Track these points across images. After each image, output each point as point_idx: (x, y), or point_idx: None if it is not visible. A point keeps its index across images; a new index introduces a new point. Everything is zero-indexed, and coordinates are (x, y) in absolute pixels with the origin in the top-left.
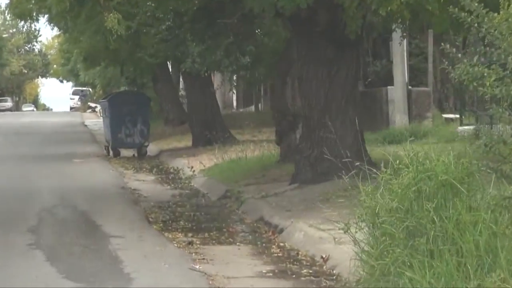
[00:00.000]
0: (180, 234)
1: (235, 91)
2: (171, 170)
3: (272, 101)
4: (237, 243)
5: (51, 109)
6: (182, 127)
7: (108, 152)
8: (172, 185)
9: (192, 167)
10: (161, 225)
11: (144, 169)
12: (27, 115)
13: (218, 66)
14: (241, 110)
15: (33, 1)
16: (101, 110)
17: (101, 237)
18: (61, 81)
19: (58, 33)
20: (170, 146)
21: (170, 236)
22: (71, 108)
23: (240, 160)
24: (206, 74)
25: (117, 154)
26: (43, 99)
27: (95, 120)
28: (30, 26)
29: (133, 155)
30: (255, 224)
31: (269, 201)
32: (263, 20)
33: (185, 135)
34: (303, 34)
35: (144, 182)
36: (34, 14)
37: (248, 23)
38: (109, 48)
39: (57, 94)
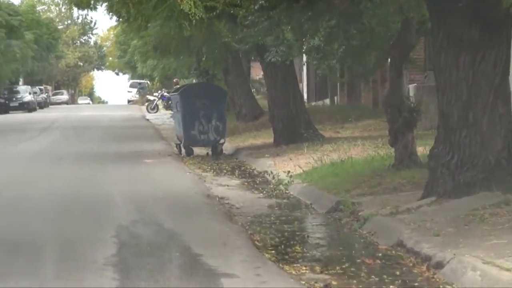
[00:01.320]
0: (304, 268)
1: (305, 83)
2: (256, 173)
3: (386, 95)
4: (386, 286)
5: (107, 102)
6: (255, 123)
7: (180, 151)
8: (264, 192)
9: (288, 172)
10: (273, 252)
11: (225, 171)
12: (84, 108)
13: (317, 52)
14: (313, 103)
15: None
16: (171, 104)
17: (208, 276)
18: (117, 74)
19: (116, 23)
20: (246, 144)
21: (293, 272)
22: (128, 101)
23: (343, 162)
24: (289, 63)
25: (190, 153)
26: (99, 92)
27: (156, 114)
28: (85, 18)
29: (207, 153)
30: (393, 252)
31: (403, 220)
32: None
33: (260, 131)
34: (439, 12)
35: (230, 188)
36: (92, 2)
37: (355, 2)
38: (183, 35)
39: (112, 87)
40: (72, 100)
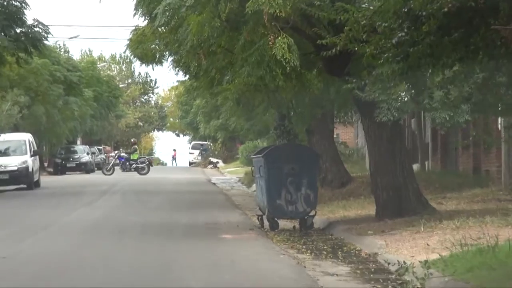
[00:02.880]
0: None
1: None
2: (364, 255)
3: None
4: None
5: (166, 164)
6: (343, 190)
7: (262, 223)
8: (390, 287)
9: (426, 263)
10: None
11: (325, 253)
12: None
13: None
14: None
15: (157, 40)
16: (254, 169)
17: None
18: (177, 135)
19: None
20: (337, 215)
21: None
22: (190, 164)
23: (489, 248)
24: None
25: (275, 227)
26: (158, 153)
27: (221, 177)
28: (147, 77)
29: (294, 227)
30: None
31: None
32: None
33: (350, 201)
34: None
35: (341, 279)
36: (157, 56)
37: None
38: (269, 87)
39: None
40: None
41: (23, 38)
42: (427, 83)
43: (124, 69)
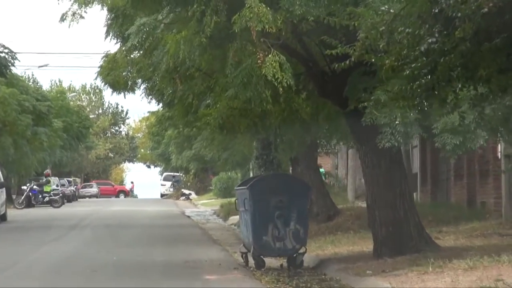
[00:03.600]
0: None
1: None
2: None
3: None
4: None
5: (136, 196)
6: (329, 224)
7: (247, 261)
8: None
9: None
10: None
11: None
12: (115, 203)
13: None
14: None
15: (129, 66)
16: (238, 201)
17: None
18: (148, 166)
19: (152, 111)
20: (327, 252)
21: None
22: (162, 195)
23: None
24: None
25: (261, 265)
26: (128, 185)
27: (195, 210)
28: (117, 107)
29: (281, 265)
30: None
31: None
32: None
33: (338, 235)
34: None
35: None
36: (129, 84)
37: None
38: (256, 111)
39: (142, 180)
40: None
41: None
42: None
43: (94, 99)
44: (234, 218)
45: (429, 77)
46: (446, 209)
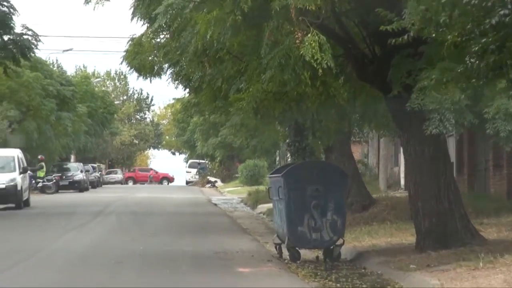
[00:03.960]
0: None
1: (402, 164)
2: None
3: None
4: None
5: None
6: (365, 214)
7: (281, 253)
8: None
9: None
10: None
11: None
12: (140, 189)
13: None
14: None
15: (156, 50)
16: (271, 190)
17: None
18: (173, 153)
19: (177, 98)
20: (365, 244)
21: None
22: (187, 182)
23: None
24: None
25: (296, 258)
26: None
27: (222, 198)
28: (141, 94)
29: (317, 257)
30: None
31: None
32: None
33: (373, 226)
34: None
35: None
36: (156, 68)
37: None
38: (292, 93)
39: (167, 167)
40: (126, 180)
41: (10, 46)
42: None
43: (119, 85)
44: (263, 207)
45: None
46: (485, 200)
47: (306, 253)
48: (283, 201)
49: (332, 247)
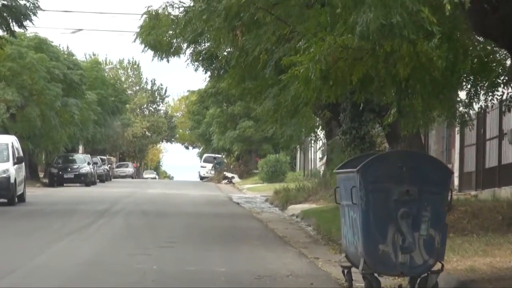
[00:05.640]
0: None
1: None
2: None
3: None
4: None
5: (172, 178)
6: None
7: (350, 280)
8: None
9: None
10: None
11: None
12: (152, 184)
13: None
14: (472, 193)
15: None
16: (339, 191)
17: None
18: (187, 147)
19: (191, 90)
20: (457, 267)
21: None
22: (201, 178)
23: None
24: None
25: (376, 286)
26: (164, 166)
27: (243, 196)
28: (154, 84)
29: (399, 286)
30: None
31: None
32: None
33: (455, 240)
34: None
35: None
36: (175, 45)
37: None
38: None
39: (179, 161)
40: (137, 174)
41: (4, 14)
42: None
43: (131, 75)
44: (295, 208)
45: None
46: None
47: (385, 281)
48: (359, 207)
49: (426, 275)
